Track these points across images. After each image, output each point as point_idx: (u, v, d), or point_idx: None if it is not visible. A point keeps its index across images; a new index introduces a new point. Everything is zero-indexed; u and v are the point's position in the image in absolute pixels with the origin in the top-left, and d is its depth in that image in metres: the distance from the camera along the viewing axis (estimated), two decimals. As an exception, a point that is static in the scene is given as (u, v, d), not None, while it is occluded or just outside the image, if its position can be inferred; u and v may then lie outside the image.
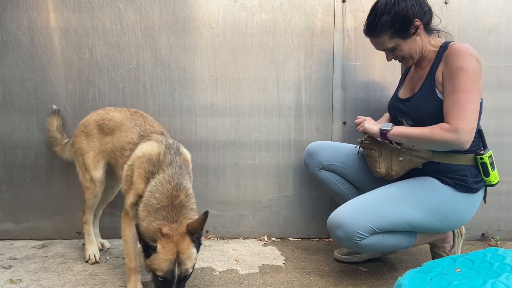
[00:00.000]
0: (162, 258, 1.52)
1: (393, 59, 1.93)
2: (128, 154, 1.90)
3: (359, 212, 1.76)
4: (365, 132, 1.94)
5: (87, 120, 2.17)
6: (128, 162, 1.86)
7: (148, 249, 1.54)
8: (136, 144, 1.89)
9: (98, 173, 2.10)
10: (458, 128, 1.64)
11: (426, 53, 1.85)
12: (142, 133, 1.96)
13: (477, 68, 1.68)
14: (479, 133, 1.84)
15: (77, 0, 2.39)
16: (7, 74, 2.42)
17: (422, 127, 1.75)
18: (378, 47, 1.91)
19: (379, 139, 1.89)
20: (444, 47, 1.78)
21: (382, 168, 1.89)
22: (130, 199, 1.79)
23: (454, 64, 1.69)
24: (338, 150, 2.15)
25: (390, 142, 1.89)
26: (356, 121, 2.01)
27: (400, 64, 2.05)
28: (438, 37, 1.89)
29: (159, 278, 1.54)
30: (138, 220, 1.68)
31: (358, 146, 2.02)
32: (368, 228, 1.73)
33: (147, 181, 1.72)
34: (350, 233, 1.73)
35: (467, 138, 1.66)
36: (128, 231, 1.82)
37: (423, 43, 1.83)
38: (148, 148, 1.81)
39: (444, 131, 1.67)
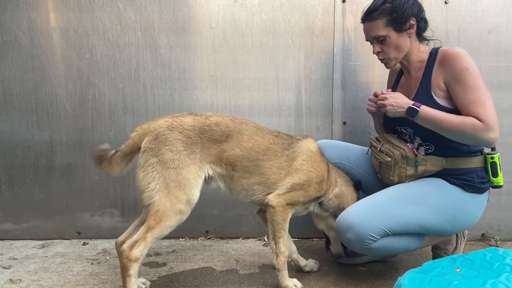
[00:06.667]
0: None
1: (377, 58, 1.89)
2: (282, 152, 1.86)
3: (371, 214, 1.71)
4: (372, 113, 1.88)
5: (181, 125, 1.72)
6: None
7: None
8: (289, 143, 1.89)
9: (198, 192, 1.70)
10: (493, 127, 1.62)
11: (413, 58, 1.84)
12: (280, 134, 1.94)
13: (477, 68, 1.68)
14: None
15: (77, 0, 2.39)
16: (7, 74, 2.43)
17: (451, 114, 1.68)
18: (370, 32, 1.85)
19: (405, 117, 1.75)
20: (435, 52, 1.79)
21: (395, 176, 1.83)
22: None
23: (457, 66, 1.68)
24: (346, 149, 2.11)
25: (412, 121, 1.76)
26: (377, 91, 1.86)
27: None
28: (427, 45, 1.89)
29: None
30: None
31: (370, 147, 1.94)
32: (380, 230, 1.69)
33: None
34: (361, 235, 1.68)
35: (497, 134, 1.65)
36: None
37: (412, 47, 1.83)
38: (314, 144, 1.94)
39: (479, 128, 1.62)
